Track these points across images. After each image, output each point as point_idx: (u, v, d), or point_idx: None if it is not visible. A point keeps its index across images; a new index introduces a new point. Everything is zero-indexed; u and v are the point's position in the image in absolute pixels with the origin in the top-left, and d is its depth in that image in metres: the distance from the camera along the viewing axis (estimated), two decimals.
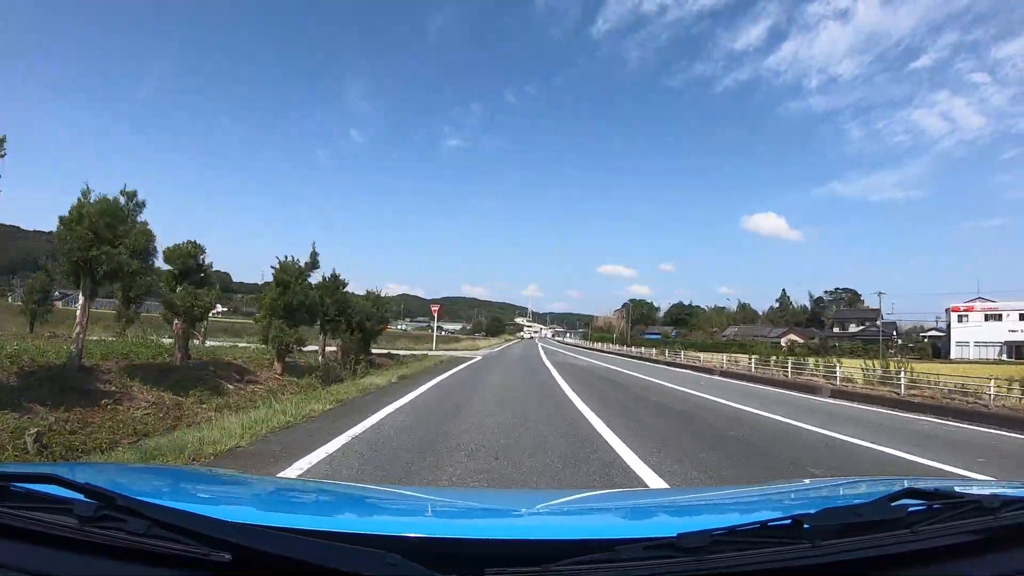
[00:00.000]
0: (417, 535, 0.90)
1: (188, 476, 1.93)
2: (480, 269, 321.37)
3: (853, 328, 73.70)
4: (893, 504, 0.90)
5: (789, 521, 0.83)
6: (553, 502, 1.67)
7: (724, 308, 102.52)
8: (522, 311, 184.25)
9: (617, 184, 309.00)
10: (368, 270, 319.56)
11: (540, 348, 50.76)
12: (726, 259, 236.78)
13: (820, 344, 60.71)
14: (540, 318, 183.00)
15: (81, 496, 0.83)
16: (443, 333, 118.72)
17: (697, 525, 0.86)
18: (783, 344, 66.07)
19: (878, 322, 68.89)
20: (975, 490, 1.06)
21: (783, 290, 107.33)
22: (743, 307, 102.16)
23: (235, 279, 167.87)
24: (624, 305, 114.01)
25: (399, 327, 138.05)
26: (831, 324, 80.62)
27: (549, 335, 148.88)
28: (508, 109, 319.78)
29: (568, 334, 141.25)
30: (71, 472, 0.92)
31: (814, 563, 0.79)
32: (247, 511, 1.19)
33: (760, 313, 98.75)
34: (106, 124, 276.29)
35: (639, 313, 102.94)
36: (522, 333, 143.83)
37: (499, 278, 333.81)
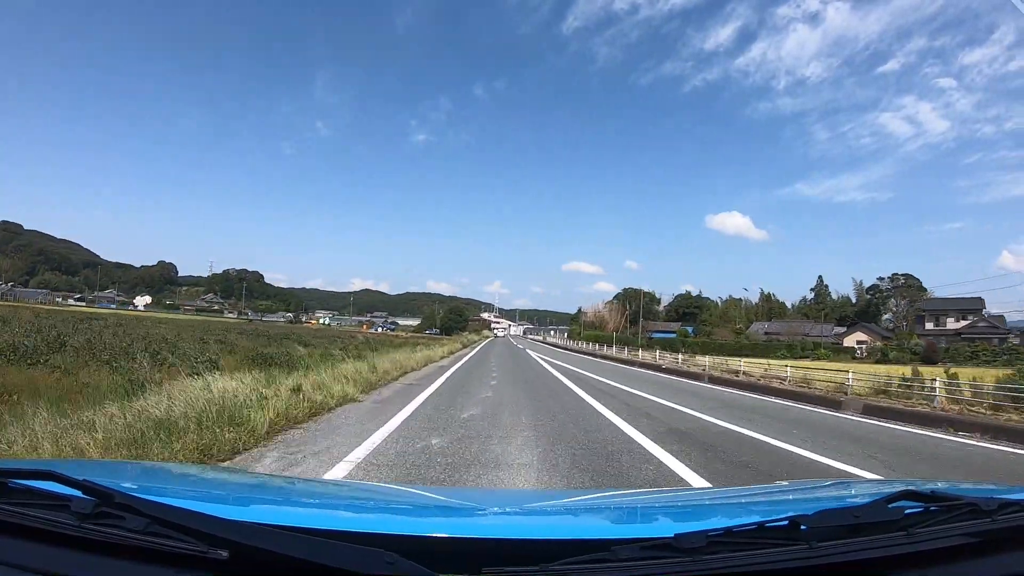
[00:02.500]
0: (415, 534, 0.90)
1: (186, 473, 1.93)
2: (444, 266, 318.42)
3: (952, 323, 54.81)
4: (890, 506, 0.90)
5: (786, 522, 0.83)
6: (551, 502, 1.68)
7: (741, 300, 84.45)
8: (487, 307, 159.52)
9: (583, 181, 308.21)
10: (331, 265, 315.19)
11: (562, 375, 17.97)
12: (691, 257, 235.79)
13: (928, 348, 42.85)
14: (508, 315, 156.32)
15: (79, 493, 0.83)
16: (381, 330, 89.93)
17: (694, 526, 0.86)
18: (856, 346, 50.97)
19: (985, 312, 52.85)
20: (973, 493, 1.06)
21: (819, 278, 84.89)
22: (767, 298, 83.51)
23: (181, 272, 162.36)
24: (617, 296, 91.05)
25: (322, 321, 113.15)
26: (905, 318, 62.91)
27: (520, 332, 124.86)
28: (476, 104, 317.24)
29: (551, 331, 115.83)
30: (70, 469, 0.92)
31: (811, 564, 0.79)
32: (245, 509, 1.19)
33: (789, 306, 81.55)
34: (54, 110, 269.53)
35: (638, 305, 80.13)
36: (494, 331, 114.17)
37: (464, 275, 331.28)
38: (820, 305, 77.38)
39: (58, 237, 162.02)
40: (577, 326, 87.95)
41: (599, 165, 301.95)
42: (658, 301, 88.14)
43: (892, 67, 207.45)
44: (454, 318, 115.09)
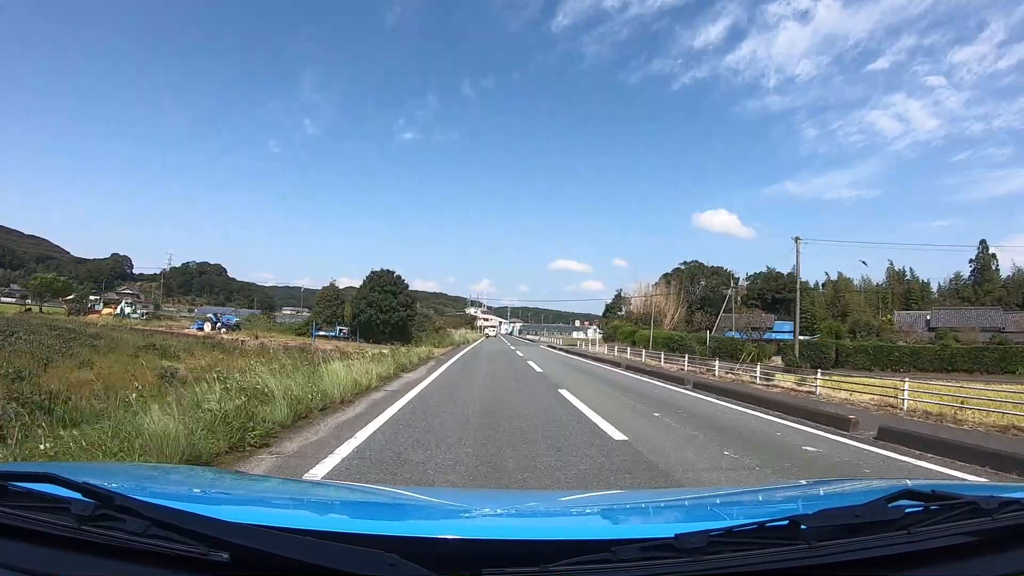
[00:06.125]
0: (415, 535, 0.90)
1: (186, 475, 1.93)
2: (432, 264, 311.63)
3: None
4: (890, 505, 0.90)
5: (786, 522, 0.83)
6: (551, 502, 1.67)
7: (852, 280, 58.56)
8: (475, 304, 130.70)
9: (570, 179, 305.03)
10: (318, 263, 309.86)
11: None
12: (679, 254, 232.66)
13: None
14: (498, 312, 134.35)
15: (79, 495, 0.83)
16: (209, 329, 43.25)
17: (695, 526, 0.86)
18: None
19: None
20: (972, 491, 1.06)
21: (982, 244, 58.80)
22: (899, 277, 58.54)
23: (136, 268, 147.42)
24: (665, 276, 59.04)
25: (120, 310, 59.24)
26: None
27: (512, 331, 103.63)
28: (464, 102, 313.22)
29: (590, 329, 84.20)
30: (69, 471, 0.92)
31: (811, 564, 0.79)
32: (245, 511, 1.19)
33: (934, 288, 58.43)
34: (39, 106, 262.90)
35: (706, 290, 54.47)
36: (484, 331, 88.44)
37: (451, 273, 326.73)
38: (987, 285, 55.45)
39: (26, 233, 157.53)
40: (627, 324, 51.32)
41: (587, 163, 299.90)
42: (735, 280, 56.73)
43: (882, 65, 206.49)
44: (380, 299, 48.67)
